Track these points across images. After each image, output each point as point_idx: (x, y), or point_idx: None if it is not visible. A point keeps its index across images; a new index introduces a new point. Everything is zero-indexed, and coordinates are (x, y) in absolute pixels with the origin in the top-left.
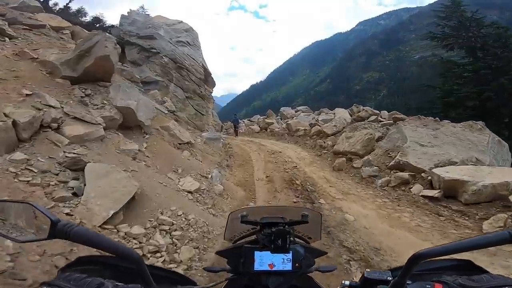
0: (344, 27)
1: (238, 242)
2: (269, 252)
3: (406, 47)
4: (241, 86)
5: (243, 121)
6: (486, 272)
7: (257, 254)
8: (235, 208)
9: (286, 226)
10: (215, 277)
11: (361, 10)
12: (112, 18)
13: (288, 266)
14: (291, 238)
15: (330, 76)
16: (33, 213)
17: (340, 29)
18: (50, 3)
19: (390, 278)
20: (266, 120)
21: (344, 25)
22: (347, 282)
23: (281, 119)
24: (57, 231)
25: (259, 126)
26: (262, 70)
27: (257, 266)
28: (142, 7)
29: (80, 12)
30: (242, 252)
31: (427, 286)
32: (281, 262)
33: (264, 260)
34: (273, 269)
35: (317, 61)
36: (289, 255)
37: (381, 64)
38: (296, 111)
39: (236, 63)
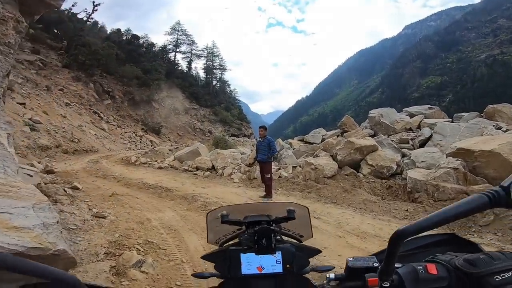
0: (389, 33)
1: (225, 244)
2: (254, 253)
3: (467, 47)
4: (286, 102)
5: (285, 145)
6: (474, 245)
7: (243, 256)
8: None
9: (272, 224)
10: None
11: (404, 14)
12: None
13: (279, 268)
14: (278, 237)
15: (382, 85)
16: None
17: (385, 35)
18: None
19: (377, 264)
20: (352, 138)
21: (389, 30)
22: (332, 275)
23: (371, 128)
24: None
25: (337, 157)
26: (307, 85)
27: (245, 270)
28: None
29: None
30: (227, 255)
31: (418, 267)
32: (271, 264)
33: (251, 263)
34: (262, 272)
35: (364, 70)
36: (278, 256)
37: (441, 67)
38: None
39: (280, 80)
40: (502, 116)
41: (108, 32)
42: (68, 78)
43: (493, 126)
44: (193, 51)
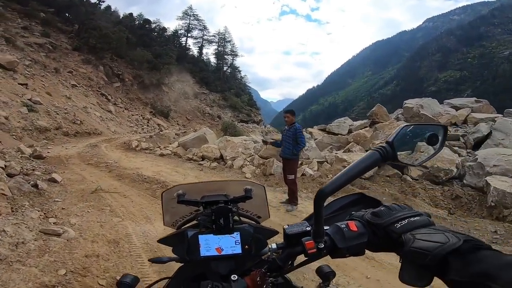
0: (407, 25)
1: (183, 227)
2: (213, 234)
3: (491, 43)
4: (297, 91)
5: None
6: (377, 201)
7: (201, 238)
8: None
9: (229, 204)
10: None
11: (426, 7)
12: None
13: (238, 249)
14: (236, 217)
15: (397, 77)
16: None
17: (404, 28)
18: None
19: (309, 228)
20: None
21: (408, 23)
22: (274, 245)
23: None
24: None
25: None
26: (319, 74)
27: (204, 252)
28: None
29: None
30: (185, 237)
31: (342, 226)
32: (229, 245)
33: (210, 244)
34: (222, 253)
35: (379, 62)
36: (237, 237)
37: (462, 62)
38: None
39: (291, 68)
40: None
41: (120, 17)
42: (78, 60)
43: None
44: (205, 37)
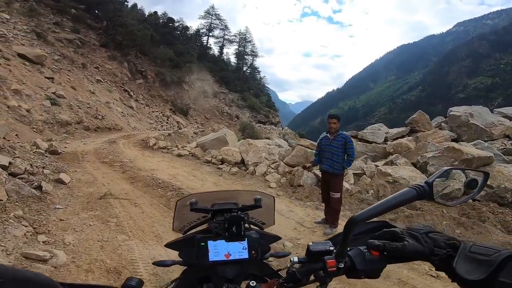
0: (436, 30)
1: (190, 232)
2: (223, 241)
3: None
4: (316, 93)
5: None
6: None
7: (211, 244)
8: None
9: (239, 212)
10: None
11: (457, 11)
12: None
13: (245, 254)
14: (246, 225)
15: (423, 83)
16: None
17: (432, 32)
18: None
19: (332, 248)
20: (455, 144)
21: (436, 27)
22: (296, 258)
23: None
24: None
25: (427, 168)
26: (339, 77)
27: (212, 257)
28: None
29: None
30: (195, 242)
31: (364, 250)
32: (237, 250)
33: (219, 250)
34: (230, 258)
35: (404, 66)
36: (245, 243)
37: (494, 68)
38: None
39: (311, 70)
40: None
41: (145, 15)
42: (104, 57)
43: None
44: (226, 36)
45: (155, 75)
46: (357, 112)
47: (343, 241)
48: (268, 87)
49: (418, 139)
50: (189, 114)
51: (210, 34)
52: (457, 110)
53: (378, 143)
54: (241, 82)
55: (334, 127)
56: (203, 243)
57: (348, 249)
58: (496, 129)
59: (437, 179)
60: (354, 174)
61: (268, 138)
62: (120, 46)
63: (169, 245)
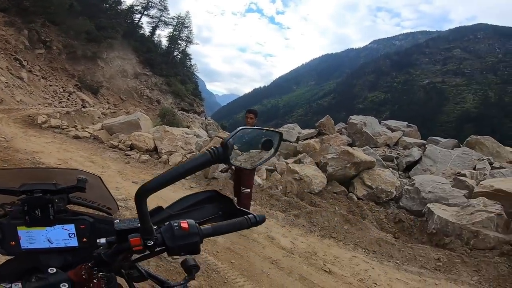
0: (356, 44)
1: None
2: (24, 226)
3: (417, 70)
4: (244, 88)
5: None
6: (231, 200)
7: (21, 230)
8: None
9: (49, 194)
10: None
11: (377, 29)
12: None
13: (73, 242)
14: (62, 208)
15: (335, 91)
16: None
17: (353, 45)
18: None
19: (139, 225)
20: (349, 148)
21: (357, 42)
22: (103, 240)
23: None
24: None
25: (327, 168)
26: (268, 76)
27: (25, 244)
28: None
29: None
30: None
31: (174, 224)
32: (62, 238)
33: (35, 237)
34: (52, 246)
35: (324, 74)
36: (71, 229)
37: (389, 85)
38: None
39: (244, 65)
40: (482, 149)
41: None
42: None
43: (485, 159)
44: (162, 17)
45: (62, 47)
46: (278, 110)
47: (140, 215)
48: (197, 76)
49: (323, 141)
50: (100, 92)
51: (145, 12)
52: (355, 119)
53: (291, 142)
54: (169, 66)
55: (250, 122)
56: (11, 228)
57: (162, 226)
58: (380, 138)
59: (231, 140)
60: (267, 169)
61: (188, 127)
62: (26, 13)
63: None
